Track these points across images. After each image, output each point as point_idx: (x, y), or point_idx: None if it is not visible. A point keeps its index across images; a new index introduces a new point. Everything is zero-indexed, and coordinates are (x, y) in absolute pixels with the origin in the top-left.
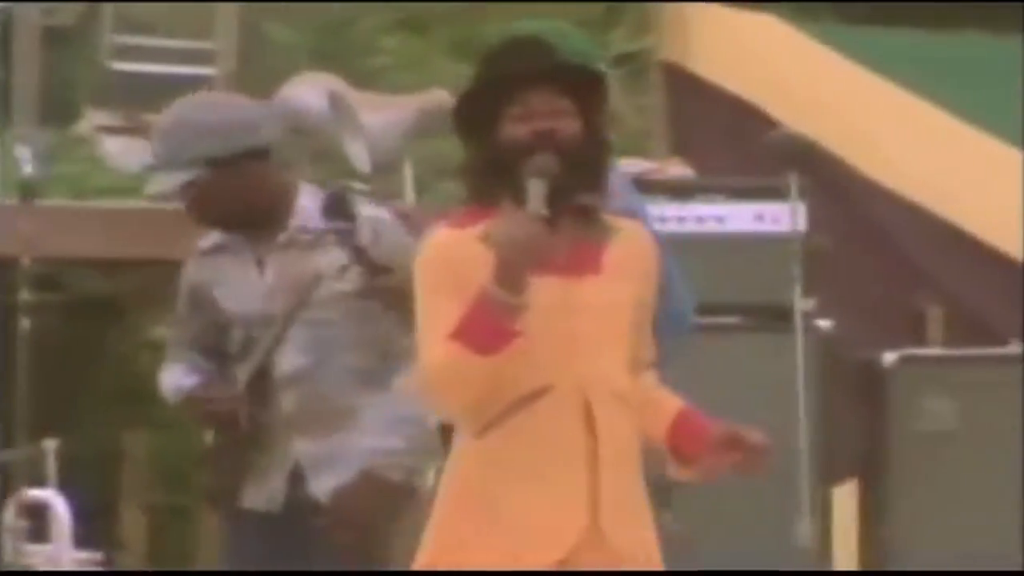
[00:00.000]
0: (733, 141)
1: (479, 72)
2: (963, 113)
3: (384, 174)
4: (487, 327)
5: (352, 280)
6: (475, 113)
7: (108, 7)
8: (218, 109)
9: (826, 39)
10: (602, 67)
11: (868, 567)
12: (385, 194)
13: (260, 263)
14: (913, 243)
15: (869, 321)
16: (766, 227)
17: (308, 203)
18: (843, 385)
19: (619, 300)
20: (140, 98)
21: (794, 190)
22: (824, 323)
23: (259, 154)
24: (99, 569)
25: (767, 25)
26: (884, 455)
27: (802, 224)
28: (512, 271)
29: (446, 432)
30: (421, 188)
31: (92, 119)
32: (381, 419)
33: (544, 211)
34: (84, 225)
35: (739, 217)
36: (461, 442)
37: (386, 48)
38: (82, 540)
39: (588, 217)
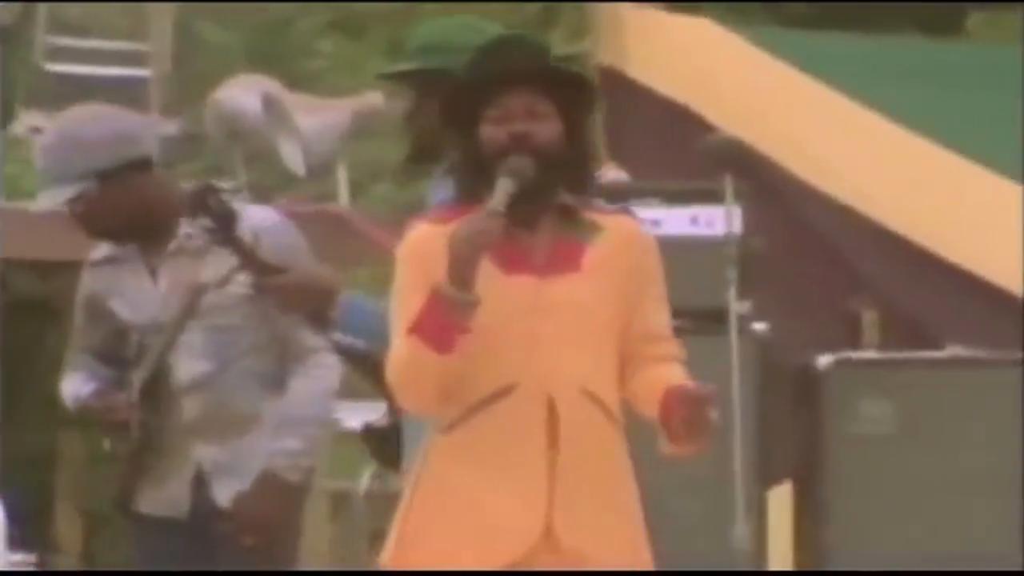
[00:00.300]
0: (668, 144)
1: (465, 71)
2: (897, 116)
3: (319, 176)
4: (438, 323)
5: (245, 284)
6: (459, 111)
7: (42, 8)
8: (101, 122)
9: (761, 42)
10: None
11: (803, 569)
12: (320, 196)
13: (153, 272)
14: (848, 246)
15: (804, 324)
16: (701, 230)
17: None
18: (778, 388)
19: (597, 300)
20: (74, 99)
21: (729, 193)
22: (759, 326)
23: (144, 165)
24: (34, 571)
25: (702, 28)
26: (819, 457)
27: (737, 227)
28: (460, 268)
29: (370, 437)
30: (356, 190)
31: (26, 120)
32: (279, 420)
33: (502, 209)
34: (19, 226)
35: (674, 220)
36: (431, 436)
37: (321, 51)
38: (17, 542)
39: (570, 217)
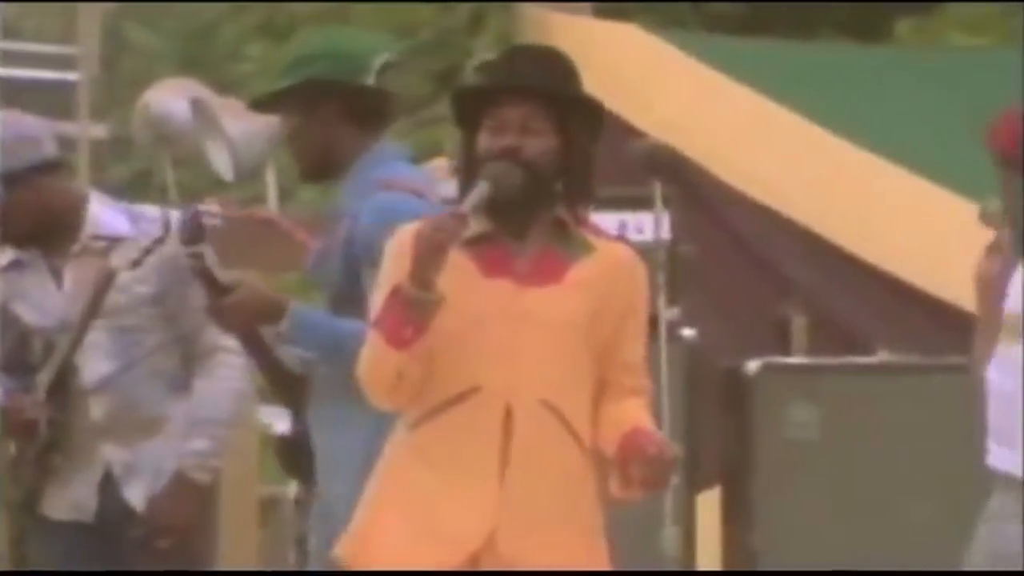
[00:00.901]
0: (596, 151)
1: (464, 79)
2: (825, 121)
3: (248, 180)
4: (396, 319)
5: (150, 283)
6: (462, 116)
7: None
8: (2, 127)
9: (689, 48)
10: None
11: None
12: (249, 200)
13: (57, 274)
14: (777, 251)
15: (733, 329)
16: (630, 236)
17: (99, 211)
18: (707, 393)
19: (573, 316)
20: (4, 102)
21: (658, 199)
22: (689, 332)
23: (46, 168)
24: None
25: (630, 35)
26: (748, 462)
27: (666, 233)
28: (421, 266)
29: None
30: (284, 194)
31: None
32: (186, 421)
33: (468, 210)
34: None
35: (603, 226)
36: (397, 431)
37: (249, 55)
38: None
39: (561, 231)
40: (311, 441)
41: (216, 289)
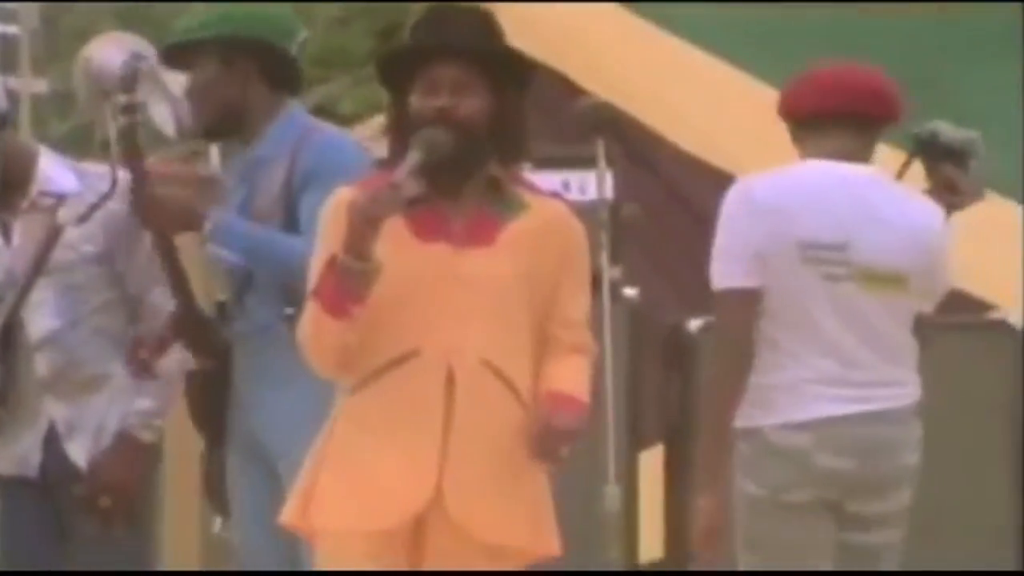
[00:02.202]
0: (540, 109)
1: (402, 39)
2: (776, 83)
3: (189, 137)
4: (334, 289)
5: (97, 242)
6: (392, 78)
7: None
8: None
9: (635, 8)
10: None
11: (673, 531)
12: (191, 157)
13: (5, 230)
14: (720, 211)
15: (676, 288)
16: (573, 196)
17: (49, 168)
18: (650, 352)
19: (506, 274)
20: None
21: (601, 158)
22: (631, 291)
23: None
24: None
25: None
26: (690, 421)
27: (609, 193)
28: (356, 237)
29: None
30: (226, 151)
31: None
32: (131, 380)
33: (407, 183)
34: None
35: (545, 185)
36: (339, 396)
37: (194, 10)
38: None
39: (495, 190)
40: (223, 393)
41: (139, 171)
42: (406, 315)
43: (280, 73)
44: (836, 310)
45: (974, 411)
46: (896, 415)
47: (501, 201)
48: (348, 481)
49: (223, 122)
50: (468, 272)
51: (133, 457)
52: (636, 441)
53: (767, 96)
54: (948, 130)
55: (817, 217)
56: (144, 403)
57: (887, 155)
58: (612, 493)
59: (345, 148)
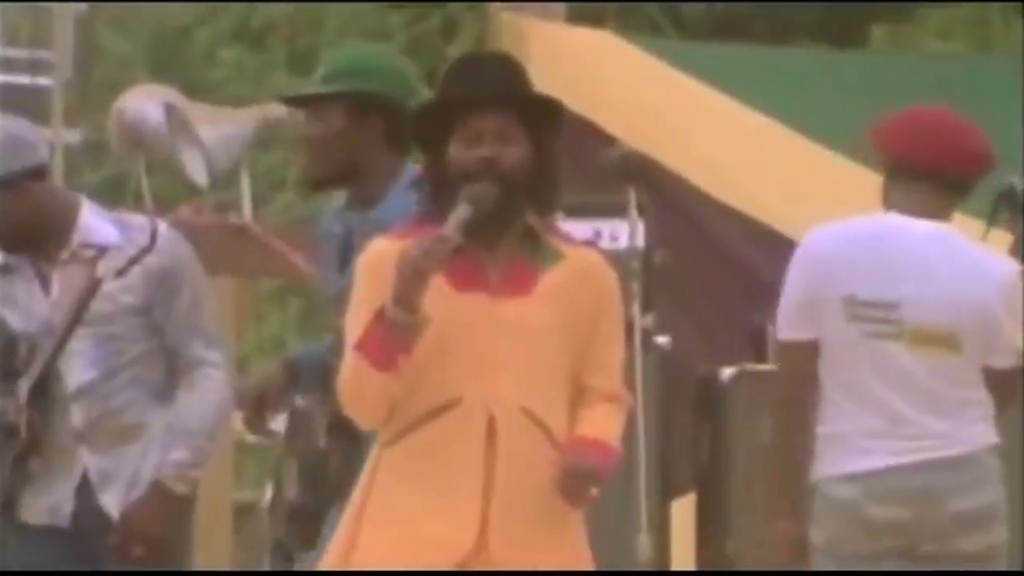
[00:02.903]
0: (570, 157)
1: (436, 90)
2: (799, 127)
3: (222, 187)
4: (380, 342)
5: (136, 293)
6: (429, 129)
7: None
8: None
9: (662, 54)
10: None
11: None
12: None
13: (44, 280)
14: (752, 258)
15: (708, 337)
16: (604, 244)
17: (90, 219)
18: (682, 400)
19: (545, 323)
20: None
21: (632, 207)
22: (663, 339)
23: (38, 173)
24: None
25: (603, 41)
26: (722, 469)
27: (640, 240)
28: (405, 290)
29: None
30: (258, 201)
31: None
32: (168, 431)
33: (452, 236)
34: None
35: (577, 234)
36: (377, 447)
37: (223, 60)
38: None
39: (532, 240)
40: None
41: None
42: (445, 365)
43: (402, 133)
44: (880, 368)
45: None
46: (944, 463)
47: (537, 251)
48: (391, 532)
49: (333, 175)
50: (506, 321)
51: (166, 508)
52: (668, 490)
53: (798, 143)
54: None
55: (867, 273)
56: (179, 454)
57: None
58: (644, 542)
59: None
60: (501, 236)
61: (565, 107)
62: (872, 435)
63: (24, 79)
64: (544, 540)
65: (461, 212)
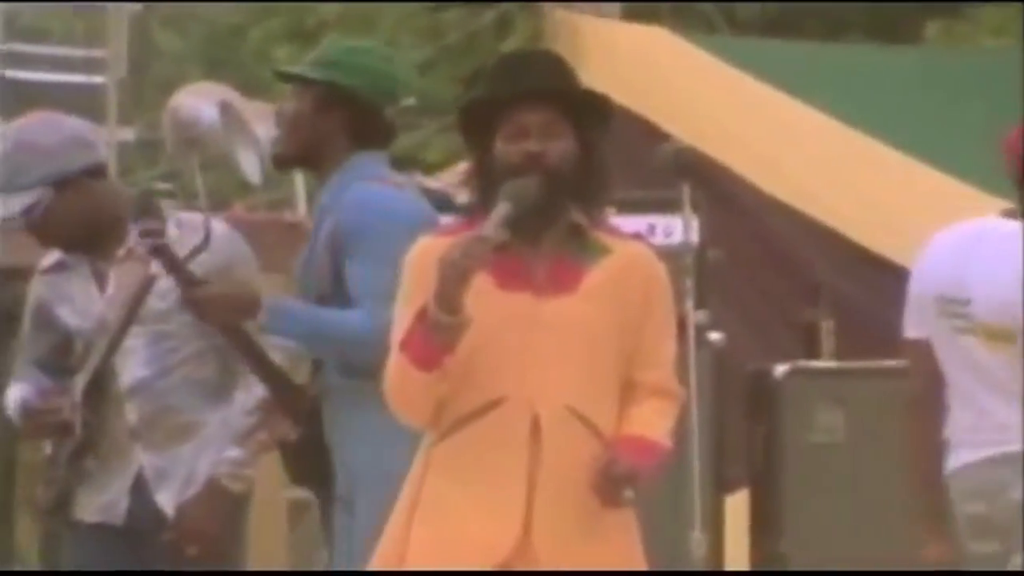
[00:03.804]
0: (624, 154)
1: (480, 86)
2: (854, 123)
3: (276, 184)
4: (422, 343)
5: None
6: (475, 124)
7: None
8: (55, 129)
9: (715, 50)
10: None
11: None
12: (277, 203)
13: (100, 278)
14: (805, 255)
15: (761, 333)
16: (658, 240)
17: None
18: (735, 397)
19: (591, 320)
20: (31, 106)
21: (686, 203)
22: (716, 335)
23: (97, 172)
24: None
25: (657, 37)
26: (775, 465)
27: (694, 237)
28: (447, 291)
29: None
30: (312, 198)
31: None
32: (223, 430)
33: (493, 234)
34: None
35: (631, 230)
36: (424, 445)
37: (277, 58)
38: None
39: (577, 236)
40: (320, 448)
41: (182, 275)
42: (490, 364)
43: (370, 132)
44: (965, 362)
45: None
46: (1008, 458)
47: (582, 246)
48: (438, 532)
49: (297, 159)
50: (552, 319)
51: (221, 506)
52: (721, 487)
53: (852, 139)
54: None
55: (950, 271)
56: (234, 452)
57: (980, 204)
58: (697, 539)
59: (383, 207)
60: (546, 233)
61: (612, 102)
62: (963, 430)
63: (79, 78)
64: (591, 539)
65: (501, 209)
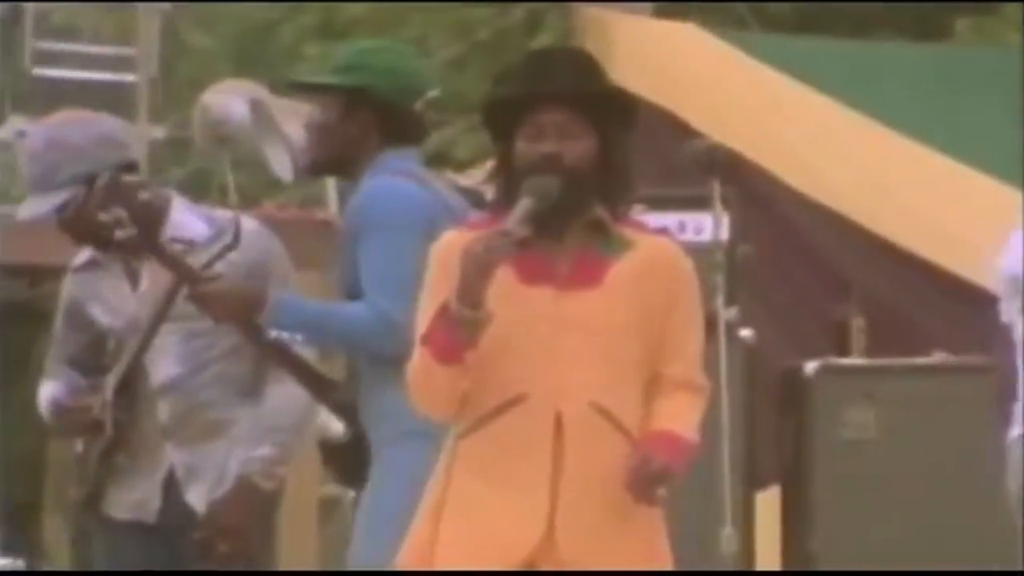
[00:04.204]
0: (655, 151)
1: (506, 84)
2: (885, 119)
3: (306, 182)
4: (443, 337)
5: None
6: (498, 123)
7: (29, 12)
8: (87, 127)
9: (746, 47)
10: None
11: (791, 573)
12: (308, 201)
13: (133, 276)
14: (836, 252)
15: (792, 330)
16: (689, 237)
17: (180, 215)
18: (766, 393)
19: (615, 315)
20: (62, 104)
21: (716, 200)
22: (747, 332)
23: (129, 169)
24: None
25: (687, 34)
26: (806, 462)
27: (725, 234)
28: (469, 286)
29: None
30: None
31: (14, 125)
32: (255, 427)
33: (515, 229)
34: (7, 232)
35: (661, 226)
36: (450, 441)
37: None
38: (5, 546)
39: (599, 231)
40: (363, 447)
41: (188, 275)
42: (513, 360)
43: (399, 131)
44: None
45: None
46: None
47: (605, 241)
48: (463, 531)
49: (331, 165)
50: (574, 314)
51: (252, 504)
52: (752, 483)
53: (883, 136)
54: None
55: (1016, 253)
56: (266, 451)
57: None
58: (728, 535)
59: (391, 200)
60: (569, 229)
61: (637, 100)
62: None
63: (109, 76)
64: (616, 536)
65: (522, 205)
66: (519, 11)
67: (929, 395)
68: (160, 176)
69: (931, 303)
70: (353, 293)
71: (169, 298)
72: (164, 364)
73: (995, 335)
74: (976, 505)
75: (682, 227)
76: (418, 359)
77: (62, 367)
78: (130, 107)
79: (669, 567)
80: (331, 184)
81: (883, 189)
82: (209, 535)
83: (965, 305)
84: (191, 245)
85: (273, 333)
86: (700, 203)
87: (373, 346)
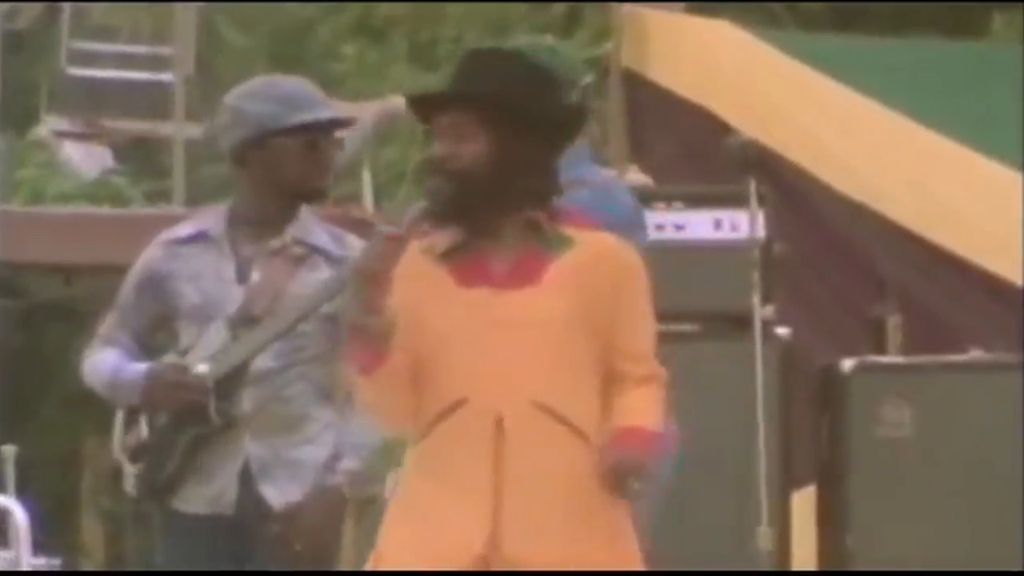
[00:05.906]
0: (690, 147)
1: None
2: (919, 117)
3: (343, 180)
4: (357, 350)
5: (335, 303)
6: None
7: (66, 12)
8: (265, 91)
9: (781, 44)
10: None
11: (827, 573)
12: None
13: (243, 262)
14: (872, 250)
15: (828, 328)
16: (725, 234)
17: (308, 219)
18: (802, 392)
19: (555, 312)
20: (97, 103)
21: (752, 197)
22: (783, 330)
23: (303, 133)
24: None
25: (722, 30)
26: (843, 461)
27: (761, 231)
28: (360, 295)
29: None
30: (379, 193)
31: (50, 124)
32: (341, 441)
33: (405, 235)
34: (43, 230)
35: (697, 224)
36: (407, 448)
37: (344, 54)
38: (41, 546)
39: (535, 230)
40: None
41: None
42: (454, 364)
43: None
44: None
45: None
46: None
47: (544, 240)
48: (412, 535)
49: None
50: (512, 313)
51: (336, 510)
52: (789, 482)
53: (918, 133)
54: None
55: None
56: (354, 464)
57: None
58: (765, 534)
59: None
60: (502, 228)
61: (540, 102)
62: None
63: (146, 75)
64: (570, 535)
65: (414, 208)
66: (557, 8)
67: (965, 392)
68: (196, 174)
69: (968, 301)
70: None
71: (318, 302)
72: (261, 358)
73: None
74: (1014, 502)
75: (718, 224)
76: (350, 378)
77: (124, 335)
78: (166, 106)
79: (638, 567)
80: (367, 183)
81: (919, 187)
82: (287, 531)
83: (1002, 303)
84: (313, 250)
85: None
86: (735, 200)
87: None
